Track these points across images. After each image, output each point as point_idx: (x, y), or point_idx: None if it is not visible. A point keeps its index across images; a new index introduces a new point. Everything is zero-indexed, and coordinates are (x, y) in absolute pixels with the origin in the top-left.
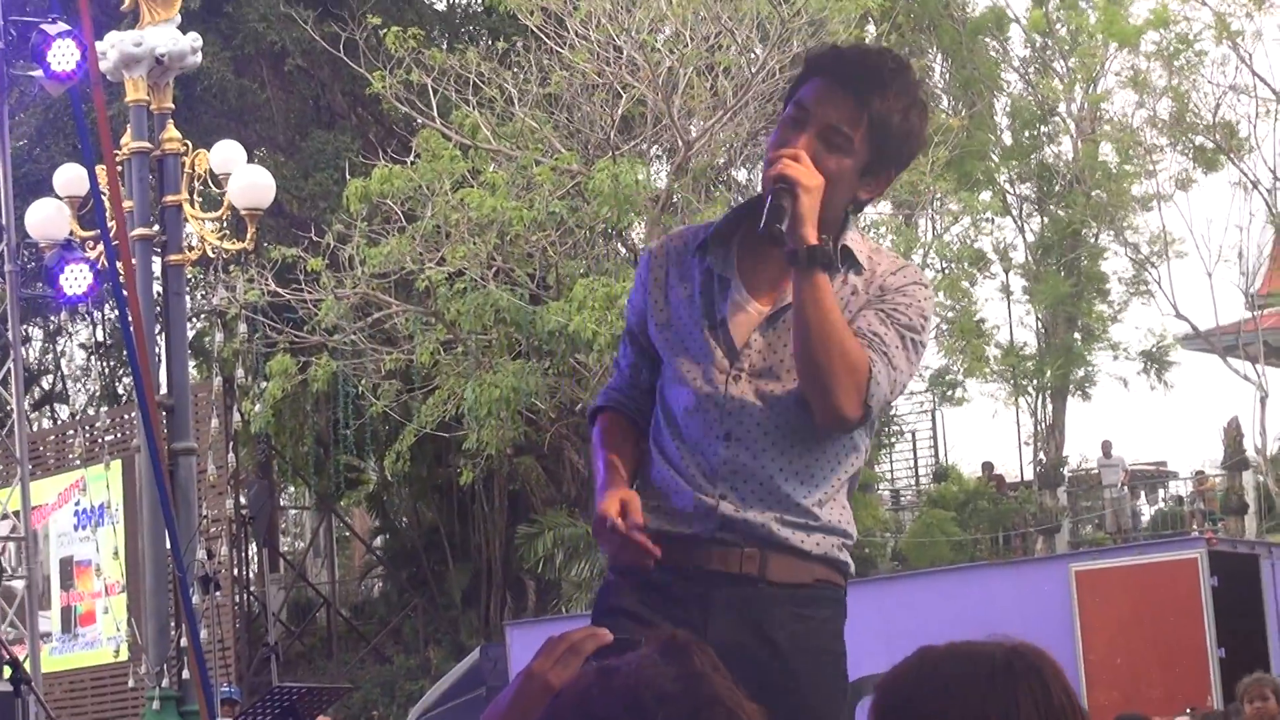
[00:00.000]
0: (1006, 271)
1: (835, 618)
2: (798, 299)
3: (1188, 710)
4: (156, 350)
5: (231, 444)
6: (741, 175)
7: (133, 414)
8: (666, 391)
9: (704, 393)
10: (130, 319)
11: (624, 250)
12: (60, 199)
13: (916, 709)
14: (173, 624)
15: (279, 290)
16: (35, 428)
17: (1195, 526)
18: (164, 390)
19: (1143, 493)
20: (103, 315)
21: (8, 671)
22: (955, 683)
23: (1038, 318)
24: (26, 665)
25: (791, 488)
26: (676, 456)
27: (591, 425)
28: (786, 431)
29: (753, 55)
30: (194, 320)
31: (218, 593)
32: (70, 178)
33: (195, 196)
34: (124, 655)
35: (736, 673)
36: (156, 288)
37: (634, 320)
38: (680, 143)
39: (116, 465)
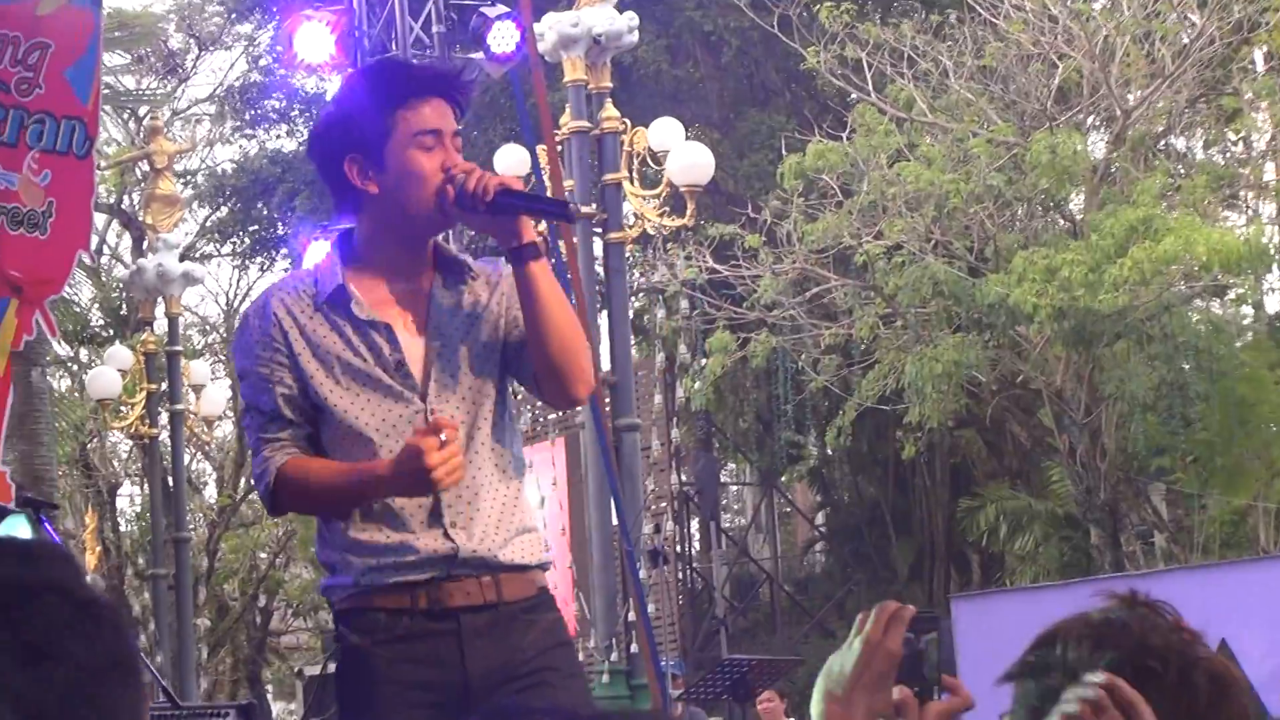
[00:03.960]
0: None
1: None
2: (541, 289)
3: None
4: (598, 328)
5: (673, 420)
6: (1180, 143)
7: None
8: (354, 447)
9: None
10: (574, 298)
11: (1063, 222)
12: None
13: None
14: (620, 598)
15: (717, 267)
16: None
17: None
18: (607, 368)
19: None
20: None
21: None
22: None
23: None
24: None
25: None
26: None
27: (276, 495)
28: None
29: (1191, 22)
30: (634, 298)
31: (664, 567)
32: (511, 159)
33: (634, 175)
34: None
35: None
36: (598, 266)
37: (280, 397)
38: (1118, 112)
39: (560, 442)
